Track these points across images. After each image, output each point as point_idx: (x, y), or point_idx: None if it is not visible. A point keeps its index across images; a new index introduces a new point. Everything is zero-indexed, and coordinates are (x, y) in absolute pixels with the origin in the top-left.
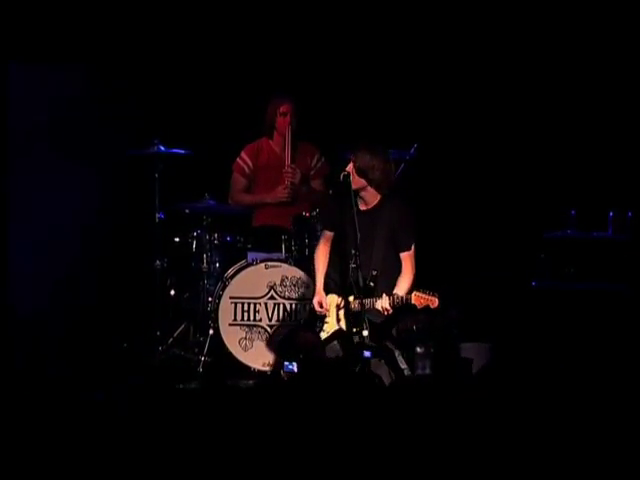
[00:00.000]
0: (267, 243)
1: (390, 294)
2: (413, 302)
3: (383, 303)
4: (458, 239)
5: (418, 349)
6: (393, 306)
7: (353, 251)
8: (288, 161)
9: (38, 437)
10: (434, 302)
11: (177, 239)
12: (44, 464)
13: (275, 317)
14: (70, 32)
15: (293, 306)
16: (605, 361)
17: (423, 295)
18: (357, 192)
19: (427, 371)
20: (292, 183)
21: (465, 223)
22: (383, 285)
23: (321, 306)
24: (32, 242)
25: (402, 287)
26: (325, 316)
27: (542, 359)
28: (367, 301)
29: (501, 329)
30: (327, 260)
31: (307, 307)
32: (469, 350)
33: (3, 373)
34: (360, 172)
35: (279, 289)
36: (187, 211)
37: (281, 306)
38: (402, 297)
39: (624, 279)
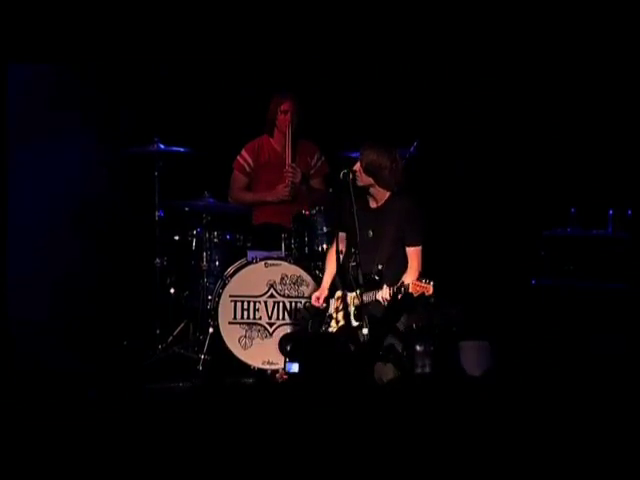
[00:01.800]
0: (267, 241)
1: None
2: (410, 290)
3: (383, 294)
4: (458, 237)
5: (418, 347)
6: (392, 295)
7: (353, 249)
8: (289, 160)
9: (38, 436)
10: (429, 289)
11: (177, 237)
12: (44, 463)
13: (275, 315)
14: (69, 31)
15: (293, 304)
16: (604, 359)
17: (419, 283)
18: (366, 190)
19: (427, 369)
20: (293, 182)
21: (465, 221)
22: (388, 280)
23: (318, 301)
24: (31, 240)
25: (406, 282)
26: (327, 312)
27: (542, 357)
28: (369, 294)
29: (501, 327)
30: (336, 260)
31: (307, 305)
32: (469, 348)
33: (2, 371)
34: (367, 170)
35: (279, 287)
36: (187, 209)
37: (281, 304)
38: (403, 285)
39: (624, 277)
